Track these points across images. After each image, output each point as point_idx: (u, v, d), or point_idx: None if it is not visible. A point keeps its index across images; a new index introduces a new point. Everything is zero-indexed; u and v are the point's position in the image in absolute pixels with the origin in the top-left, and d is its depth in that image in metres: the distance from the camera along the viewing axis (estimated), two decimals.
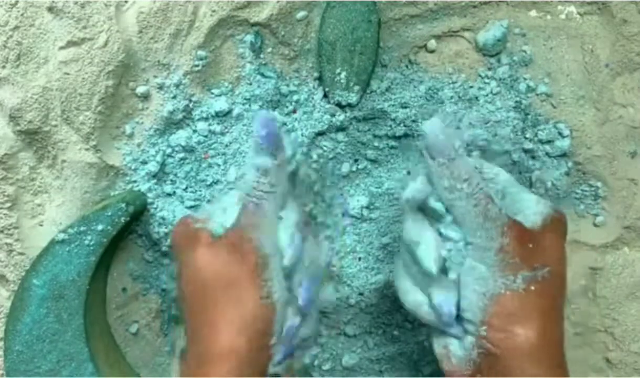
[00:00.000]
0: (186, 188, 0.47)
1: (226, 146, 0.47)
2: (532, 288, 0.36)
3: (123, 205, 0.44)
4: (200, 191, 0.47)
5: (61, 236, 0.44)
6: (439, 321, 0.38)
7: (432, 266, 0.37)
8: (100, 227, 0.44)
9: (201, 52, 0.47)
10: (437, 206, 0.37)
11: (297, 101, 0.48)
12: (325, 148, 0.48)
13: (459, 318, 0.37)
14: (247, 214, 0.37)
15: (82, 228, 0.44)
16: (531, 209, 0.37)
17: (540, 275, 0.36)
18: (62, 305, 0.44)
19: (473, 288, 0.36)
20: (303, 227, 0.40)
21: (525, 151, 0.48)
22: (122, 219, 0.44)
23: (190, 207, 0.47)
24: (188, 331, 0.38)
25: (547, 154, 0.48)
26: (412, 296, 0.39)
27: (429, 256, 0.37)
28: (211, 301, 0.37)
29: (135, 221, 0.47)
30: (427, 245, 0.37)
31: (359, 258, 0.49)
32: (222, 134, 0.47)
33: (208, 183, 0.48)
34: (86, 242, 0.44)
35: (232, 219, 0.37)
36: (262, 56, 0.48)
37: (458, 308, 0.37)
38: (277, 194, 0.38)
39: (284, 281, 0.38)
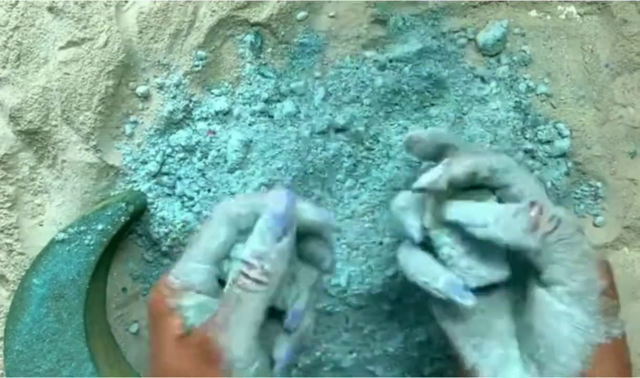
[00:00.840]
0: (186, 187, 0.47)
1: (225, 142, 0.47)
2: (620, 337, 0.32)
3: (123, 205, 0.44)
4: (200, 191, 0.47)
5: (61, 235, 0.44)
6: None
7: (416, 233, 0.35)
8: (100, 227, 0.44)
9: (201, 52, 0.47)
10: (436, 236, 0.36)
11: (297, 101, 0.48)
12: (325, 148, 0.48)
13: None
14: (223, 311, 0.33)
15: (82, 228, 0.44)
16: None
17: (622, 321, 0.33)
18: (62, 305, 0.44)
19: (570, 337, 0.32)
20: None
21: (525, 151, 0.48)
22: (122, 219, 0.44)
23: (191, 208, 0.47)
24: None
25: (547, 154, 0.48)
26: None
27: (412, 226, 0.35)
28: None
29: (135, 221, 0.47)
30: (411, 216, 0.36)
31: (359, 258, 0.49)
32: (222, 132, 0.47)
33: (208, 182, 0.48)
34: (86, 242, 0.44)
35: (207, 315, 0.33)
36: (262, 56, 0.48)
37: None
38: (270, 285, 0.33)
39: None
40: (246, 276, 0.33)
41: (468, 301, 0.34)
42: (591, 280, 0.32)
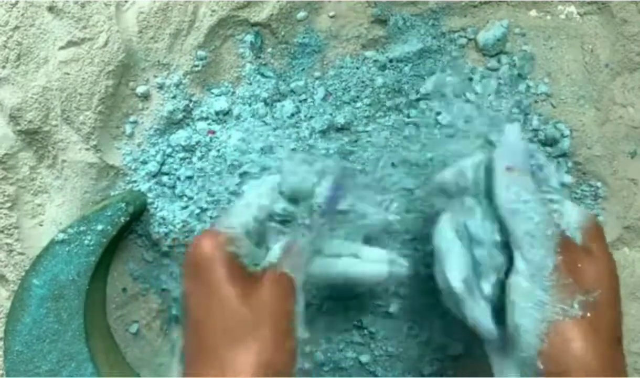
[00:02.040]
0: (186, 187, 0.47)
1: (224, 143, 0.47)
2: (589, 314, 0.33)
3: (123, 205, 0.44)
4: (200, 191, 0.47)
5: (61, 236, 0.44)
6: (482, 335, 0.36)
7: (457, 283, 0.35)
8: (100, 227, 0.44)
9: (201, 52, 0.47)
10: (469, 202, 0.36)
11: (298, 101, 0.48)
12: (325, 148, 0.48)
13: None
14: (291, 254, 0.36)
15: (81, 228, 0.44)
16: (573, 218, 0.36)
17: (592, 299, 0.33)
18: (62, 305, 0.44)
19: (528, 312, 0.33)
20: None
21: None
22: (122, 219, 0.44)
23: (189, 208, 0.47)
24: (187, 357, 0.35)
25: (547, 154, 0.48)
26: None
27: (455, 274, 0.36)
28: (229, 340, 0.33)
29: (135, 221, 0.47)
30: (455, 260, 0.36)
31: None
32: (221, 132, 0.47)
33: (208, 182, 0.48)
34: (86, 242, 0.44)
35: (275, 257, 0.36)
36: (262, 55, 0.48)
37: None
38: (315, 236, 0.38)
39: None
40: (315, 216, 0.37)
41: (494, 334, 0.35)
42: (548, 254, 0.33)
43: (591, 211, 0.48)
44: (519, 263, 0.34)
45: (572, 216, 0.36)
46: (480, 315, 0.35)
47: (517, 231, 0.34)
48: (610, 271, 0.35)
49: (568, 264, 0.33)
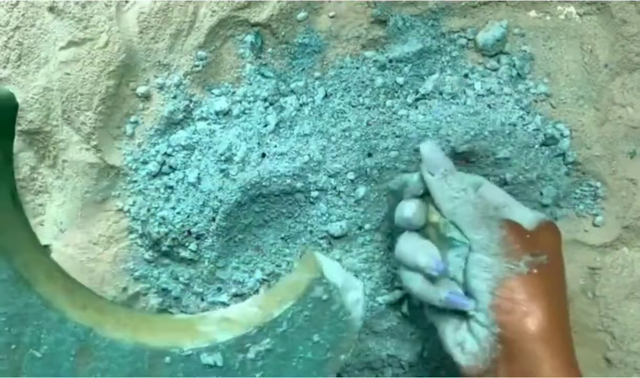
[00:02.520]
0: (186, 187, 0.47)
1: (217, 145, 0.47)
2: (535, 271, 0.38)
3: None
4: (200, 191, 0.48)
5: None
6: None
7: (432, 268, 0.40)
8: None
9: (201, 53, 0.47)
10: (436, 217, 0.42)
11: (298, 101, 0.48)
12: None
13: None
14: None
15: None
16: (526, 216, 0.41)
17: (539, 261, 0.39)
18: None
19: (480, 276, 0.39)
20: None
21: None
22: None
23: (189, 207, 0.47)
24: None
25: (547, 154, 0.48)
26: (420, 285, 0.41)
27: (429, 259, 0.40)
28: None
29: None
30: (426, 250, 0.40)
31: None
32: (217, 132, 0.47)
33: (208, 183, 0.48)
34: None
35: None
36: (262, 56, 0.48)
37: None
38: None
39: None
40: None
41: (469, 306, 0.39)
42: (492, 231, 0.39)
43: (588, 214, 0.49)
44: (472, 244, 0.39)
45: (525, 213, 0.41)
46: (453, 291, 0.40)
47: (461, 222, 0.40)
48: (557, 250, 0.41)
49: (515, 235, 0.39)
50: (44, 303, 0.38)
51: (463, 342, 0.39)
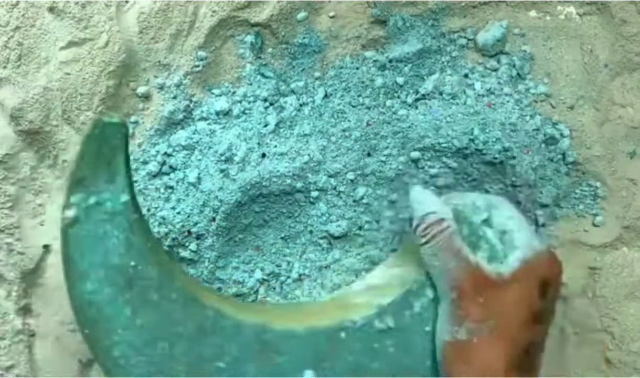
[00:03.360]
0: (186, 187, 0.47)
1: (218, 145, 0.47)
2: (475, 340, 0.37)
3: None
4: (200, 191, 0.48)
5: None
6: None
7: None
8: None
9: (201, 53, 0.47)
10: None
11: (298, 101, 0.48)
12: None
13: None
14: None
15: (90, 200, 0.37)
16: (515, 253, 0.39)
17: (484, 329, 0.37)
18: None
19: (437, 327, 0.39)
20: None
21: None
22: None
23: (189, 207, 0.47)
24: None
25: (547, 154, 0.48)
26: None
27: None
28: None
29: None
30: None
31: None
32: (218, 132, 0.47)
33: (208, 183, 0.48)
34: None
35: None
36: (262, 56, 0.48)
37: None
38: None
39: None
40: None
41: None
42: (443, 290, 0.38)
43: (588, 213, 0.49)
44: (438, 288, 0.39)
45: (518, 246, 0.39)
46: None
47: (430, 269, 0.39)
48: (517, 307, 0.38)
49: (466, 295, 0.38)
50: (216, 314, 0.38)
51: None
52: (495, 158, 0.46)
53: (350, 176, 0.47)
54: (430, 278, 0.39)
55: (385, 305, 0.39)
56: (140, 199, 0.48)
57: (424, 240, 0.38)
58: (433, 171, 0.47)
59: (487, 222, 0.40)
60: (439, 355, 0.38)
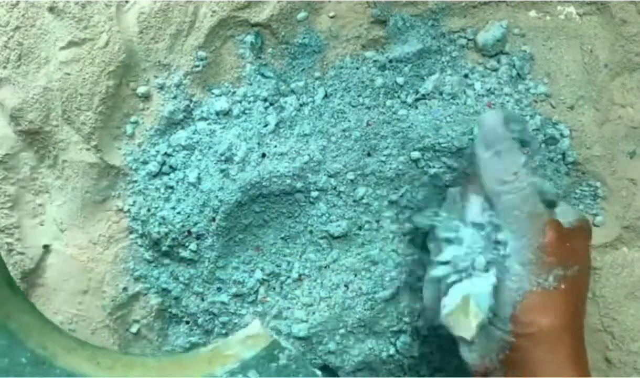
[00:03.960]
0: (186, 187, 0.47)
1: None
2: (562, 286, 0.37)
3: None
4: (200, 192, 0.48)
5: None
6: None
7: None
8: None
9: (201, 53, 0.47)
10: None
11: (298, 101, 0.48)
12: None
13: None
14: None
15: None
16: (565, 212, 0.40)
17: (570, 273, 0.38)
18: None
19: (506, 285, 0.38)
20: None
21: None
22: None
23: (189, 207, 0.47)
24: None
25: (546, 154, 0.48)
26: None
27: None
28: None
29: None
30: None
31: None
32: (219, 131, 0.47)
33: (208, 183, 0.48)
34: None
35: None
36: (262, 56, 0.48)
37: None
38: None
39: None
40: None
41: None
42: (529, 237, 0.37)
43: (587, 213, 0.49)
44: (508, 244, 0.38)
45: (563, 209, 0.40)
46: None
47: (504, 214, 0.38)
48: (587, 256, 0.41)
49: (554, 243, 0.37)
50: (69, 375, 0.38)
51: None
52: None
53: (350, 176, 0.47)
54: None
55: (248, 359, 0.39)
56: (140, 199, 0.48)
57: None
58: (433, 171, 0.47)
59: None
60: (513, 309, 0.37)
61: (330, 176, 0.47)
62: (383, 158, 0.47)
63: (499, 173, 0.38)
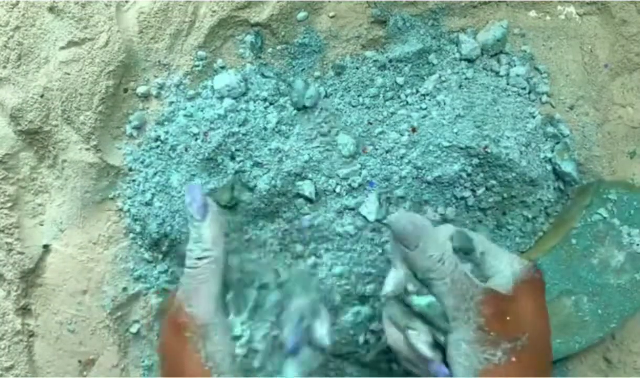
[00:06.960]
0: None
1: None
2: (513, 358, 0.37)
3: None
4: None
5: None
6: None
7: (427, 353, 0.38)
8: None
9: (201, 53, 0.47)
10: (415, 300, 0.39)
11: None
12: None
13: None
14: (182, 287, 0.39)
15: None
16: (506, 270, 0.39)
17: (519, 344, 0.37)
18: None
19: (459, 361, 0.37)
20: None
21: None
22: None
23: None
24: None
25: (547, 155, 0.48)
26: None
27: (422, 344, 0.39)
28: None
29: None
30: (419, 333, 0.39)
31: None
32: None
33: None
34: None
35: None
36: (262, 56, 0.48)
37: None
38: (213, 259, 0.39)
39: (230, 343, 0.40)
40: (191, 257, 0.40)
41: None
42: (468, 316, 0.37)
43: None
44: (450, 326, 0.38)
45: (505, 267, 0.39)
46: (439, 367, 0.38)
47: (439, 296, 0.38)
48: (536, 318, 0.38)
49: (492, 321, 0.37)
50: None
51: None
52: (496, 158, 0.47)
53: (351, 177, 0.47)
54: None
55: None
56: (140, 199, 0.48)
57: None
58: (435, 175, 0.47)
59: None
60: None
61: (330, 176, 0.47)
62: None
63: (424, 264, 0.38)
